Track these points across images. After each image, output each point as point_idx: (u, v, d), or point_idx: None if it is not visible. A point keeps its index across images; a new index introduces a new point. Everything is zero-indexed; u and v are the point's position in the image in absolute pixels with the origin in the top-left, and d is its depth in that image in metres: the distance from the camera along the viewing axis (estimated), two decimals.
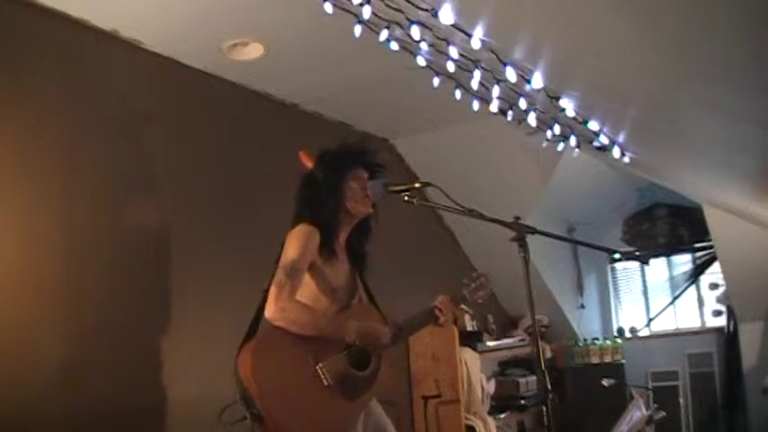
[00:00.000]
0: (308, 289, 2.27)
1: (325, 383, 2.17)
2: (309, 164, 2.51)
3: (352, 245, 2.46)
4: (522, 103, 3.26)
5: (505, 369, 5.24)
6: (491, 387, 4.68)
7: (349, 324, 2.21)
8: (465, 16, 2.50)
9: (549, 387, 1.89)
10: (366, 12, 2.39)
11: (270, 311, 2.13)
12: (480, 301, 2.58)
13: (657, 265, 5.94)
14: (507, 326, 5.55)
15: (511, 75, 2.91)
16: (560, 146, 3.91)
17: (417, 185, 2.24)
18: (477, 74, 2.94)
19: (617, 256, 5.79)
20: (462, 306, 2.57)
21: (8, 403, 2.31)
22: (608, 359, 5.43)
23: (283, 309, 2.13)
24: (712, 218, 4.96)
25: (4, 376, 2.32)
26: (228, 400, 2.13)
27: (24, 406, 2.36)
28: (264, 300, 2.16)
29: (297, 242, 2.23)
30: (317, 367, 2.16)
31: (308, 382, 2.16)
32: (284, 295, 2.14)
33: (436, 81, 3.07)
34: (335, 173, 2.39)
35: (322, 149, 2.48)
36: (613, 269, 6.22)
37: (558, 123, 3.59)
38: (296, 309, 2.16)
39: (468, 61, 2.87)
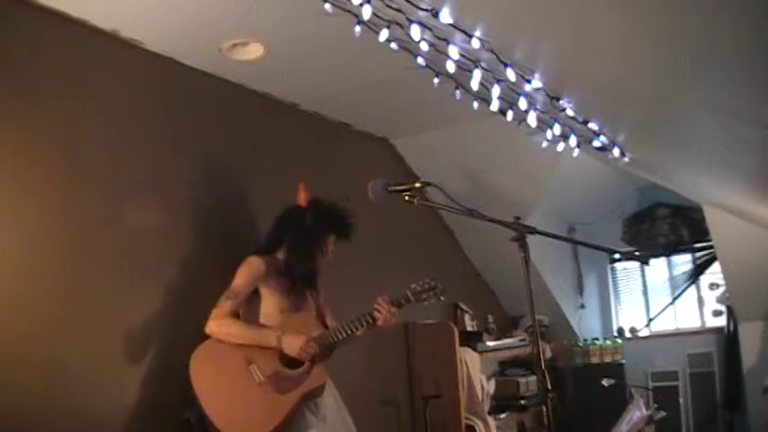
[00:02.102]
0: (274, 301, 2.82)
1: (257, 381, 2.63)
2: (303, 199, 2.97)
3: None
4: (522, 103, 3.26)
5: (505, 369, 5.24)
6: (491, 387, 4.68)
7: (272, 333, 2.70)
8: (465, 16, 2.50)
9: (549, 387, 1.90)
10: (366, 12, 2.39)
11: (208, 327, 2.69)
12: (426, 303, 2.78)
13: (657, 265, 5.94)
14: (507, 326, 5.55)
15: (511, 75, 2.91)
16: (560, 146, 3.91)
17: (418, 185, 2.26)
18: (477, 74, 2.94)
19: (617, 256, 5.80)
20: (403, 305, 2.79)
21: (8, 403, 2.31)
22: (608, 359, 5.43)
23: (218, 324, 2.69)
24: (712, 218, 4.96)
25: (3, 376, 2.32)
26: None
27: (25, 407, 2.36)
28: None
29: (243, 272, 2.80)
30: (249, 368, 2.65)
31: (243, 381, 2.62)
32: (220, 313, 2.70)
33: (436, 81, 3.07)
34: (321, 231, 2.92)
35: (314, 197, 2.98)
36: (613, 269, 6.22)
37: (558, 123, 3.59)
38: (227, 323, 2.70)
39: (469, 61, 2.87)
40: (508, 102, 3.31)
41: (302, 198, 2.99)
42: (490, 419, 4.35)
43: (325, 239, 2.93)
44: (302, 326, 2.78)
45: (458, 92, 3.21)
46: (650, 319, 5.95)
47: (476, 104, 3.35)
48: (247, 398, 2.59)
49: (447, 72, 2.93)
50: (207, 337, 2.72)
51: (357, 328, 2.75)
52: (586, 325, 5.84)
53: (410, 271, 4.09)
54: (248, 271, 2.80)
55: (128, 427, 2.67)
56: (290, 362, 2.71)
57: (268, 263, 2.85)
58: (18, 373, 2.36)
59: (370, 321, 2.73)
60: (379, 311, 2.71)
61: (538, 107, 3.38)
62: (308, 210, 2.95)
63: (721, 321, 5.43)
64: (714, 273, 5.52)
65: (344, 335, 2.75)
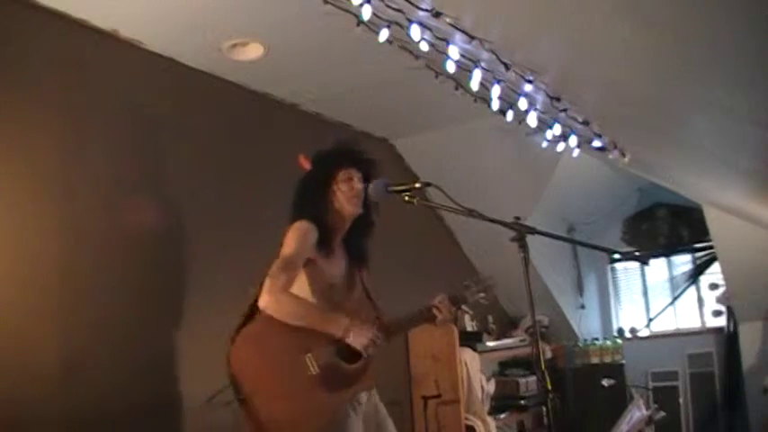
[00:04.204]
0: (303, 285, 2.31)
1: (312, 372, 2.21)
2: (307, 166, 2.55)
3: (350, 242, 2.49)
4: (523, 103, 3.26)
5: (505, 369, 5.24)
6: (491, 387, 4.68)
7: (339, 319, 2.25)
8: (466, 16, 2.50)
9: (549, 387, 1.90)
10: (366, 12, 2.39)
11: (263, 301, 2.20)
12: (482, 302, 2.59)
13: (657, 265, 5.94)
14: (507, 326, 5.55)
15: (511, 75, 2.92)
16: (560, 146, 3.91)
17: (418, 185, 2.25)
18: (477, 74, 2.94)
19: (617, 256, 5.80)
20: (462, 306, 2.58)
21: (8, 403, 2.31)
22: (608, 359, 5.42)
23: (276, 300, 2.19)
24: (712, 218, 4.96)
25: (3, 376, 2.32)
26: (231, 398, 2.16)
27: (25, 406, 2.36)
28: (259, 291, 2.22)
29: (294, 237, 2.29)
30: (306, 356, 2.22)
31: (294, 370, 2.21)
32: (278, 286, 2.20)
33: (436, 81, 3.07)
34: (323, 174, 2.46)
35: (316, 151, 2.53)
36: (613, 269, 6.22)
37: (559, 123, 3.59)
38: (288, 300, 2.22)
39: (469, 61, 2.87)
40: (508, 102, 3.32)
41: (306, 165, 2.59)
42: (490, 419, 4.35)
43: (336, 182, 2.43)
44: (360, 308, 2.42)
45: (458, 92, 3.21)
46: (650, 320, 5.95)
47: (476, 104, 3.36)
48: (298, 391, 2.23)
49: (447, 72, 2.93)
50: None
51: (417, 324, 2.52)
52: (586, 325, 5.83)
53: (410, 271, 4.10)
54: (301, 237, 2.30)
55: (134, 427, 2.67)
56: (347, 355, 2.33)
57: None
58: (19, 374, 2.37)
59: (428, 318, 2.49)
60: (439, 310, 2.47)
61: (538, 107, 3.38)
62: (310, 168, 2.56)
63: (721, 321, 5.43)
64: (714, 273, 5.52)
65: (405, 329, 2.50)
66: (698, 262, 5.75)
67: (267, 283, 2.21)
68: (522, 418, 5.04)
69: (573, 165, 4.39)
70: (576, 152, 3.91)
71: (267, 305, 2.20)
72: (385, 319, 2.42)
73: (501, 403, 4.80)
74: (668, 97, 2.96)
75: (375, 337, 2.26)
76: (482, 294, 2.57)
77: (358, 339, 2.23)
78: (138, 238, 2.88)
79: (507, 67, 2.88)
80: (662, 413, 3.56)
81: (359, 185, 2.42)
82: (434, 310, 2.46)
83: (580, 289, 5.90)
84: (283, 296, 2.21)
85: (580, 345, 5.60)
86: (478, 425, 4.20)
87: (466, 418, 4.16)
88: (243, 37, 2.97)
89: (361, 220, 2.49)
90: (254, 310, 2.26)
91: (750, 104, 2.76)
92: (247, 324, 2.26)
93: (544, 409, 1.91)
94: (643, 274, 6.05)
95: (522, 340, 5.12)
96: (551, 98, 3.22)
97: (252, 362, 2.22)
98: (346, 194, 2.42)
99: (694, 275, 5.76)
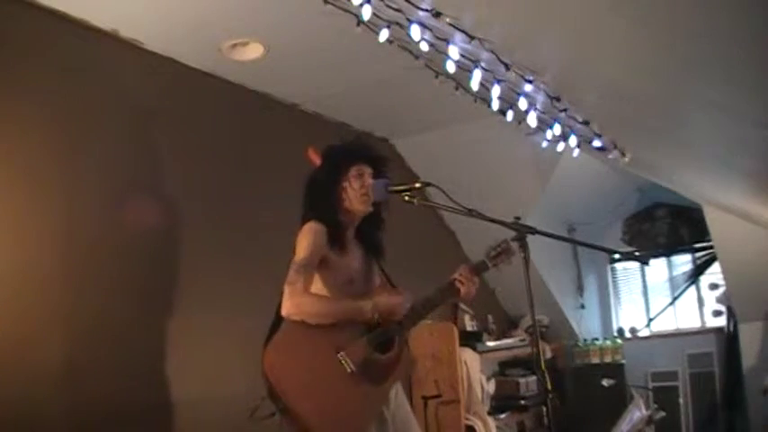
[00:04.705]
0: (318, 286, 2.31)
1: (349, 371, 2.19)
2: (317, 161, 2.53)
3: (362, 235, 2.49)
4: (523, 103, 3.26)
5: (505, 369, 5.24)
6: (491, 387, 4.68)
7: (364, 303, 2.25)
8: (466, 16, 2.50)
9: (549, 387, 1.90)
10: (366, 12, 2.39)
11: (285, 308, 2.19)
12: (505, 263, 2.52)
13: (657, 265, 5.94)
14: (507, 326, 5.55)
15: (511, 75, 2.92)
16: (560, 146, 3.91)
17: (418, 185, 2.25)
18: (477, 74, 2.94)
19: (617, 256, 5.80)
20: (482, 275, 2.53)
21: (11, 404, 2.31)
22: (608, 359, 5.43)
23: (298, 303, 2.19)
24: (712, 218, 4.97)
25: (6, 376, 2.32)
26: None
27: (27, 406, 2.36)
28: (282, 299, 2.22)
29: (305, 240, 2.29)
30: (339, 356, 2.19)
31: (332, 372, 2.18)
32: (297, 291, 2.20)
33: (436, 81, 3.08)
34: (335, 170, 2.43)
35: (326, 147, 2.51)
36: (613, 269, 6.22)
37: (558, 123, 3.59)
38: (310, 301, 2.23)
39: (469, 61, 2.87)
40: (508, 102, 3.32)
41: (315, 159, 2.56)
42: (490, 419, 4.35)
43: (346, 179, 2.40)
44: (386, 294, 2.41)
45: (458, 92, 3.21)
46: (650, 320, 5.96)
47: (476, 104, 3.35)
48: (340, 391, 2.19)
49: (447, 72, 2.93)
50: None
51: (442, 301, 2.45)
52: (586, 325, 5.84)
53: (410, 271, 4.09)
54: (312, 239, 2.29)
55: (135, 427, 2.67)
56: (380, 345, 2.30)
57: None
58: (21, 374, 2.37)
59: (453, 292, 2.44)
60: (461, 282, 2.43)
61: (538, 107, 3.38)
62: (320, 164, 2.52)
63: (721, 321, 5.43)
64: (714, 273, 5.52)
65: (432, 306, 2.43)
66: (698, 262, 5.75)
67: (286, 290, 2.21)
68: (522, 418, 5.03)
69: (573, 165, 4.39)
70: (576, 152, 3.91)
71: (290, 311, 2.19)
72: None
73: (501, 403, 4.80)
74: (668, 97, 2.96)
75: (403, 303, 2.28)
76: (503, 257, 2.50)
77: (387, 308, 2.26)
78: (138, 238, 2.88)
79: (507, 67, 2.88)
80: (662, 413, 3.57)
81: (370, 182, 2.40)
82: (457, 283, 2.43)
83: (580, 289, 5.90)
84: (303, 299, 2.21)
85: (580, 345, 5.60)
86: (478, 425, 4.20)
87: (466, 418, 4.16)
88: (243, 37, 2.97)
89: (371, 215, 2.47)
90: (279, 318, 2.25)
91: (750, 104, 2.76)
92: (275, 333, 2.25)
93: (544, 409, 1.91)
94: (643, 274, 6.05)
95: (522, 340, 5.12)
96: (551, 98, 3.22)
97: (288, 369, 2.17)
98: (357, 192, 2.40)
99: (694, 275, 5.76)
